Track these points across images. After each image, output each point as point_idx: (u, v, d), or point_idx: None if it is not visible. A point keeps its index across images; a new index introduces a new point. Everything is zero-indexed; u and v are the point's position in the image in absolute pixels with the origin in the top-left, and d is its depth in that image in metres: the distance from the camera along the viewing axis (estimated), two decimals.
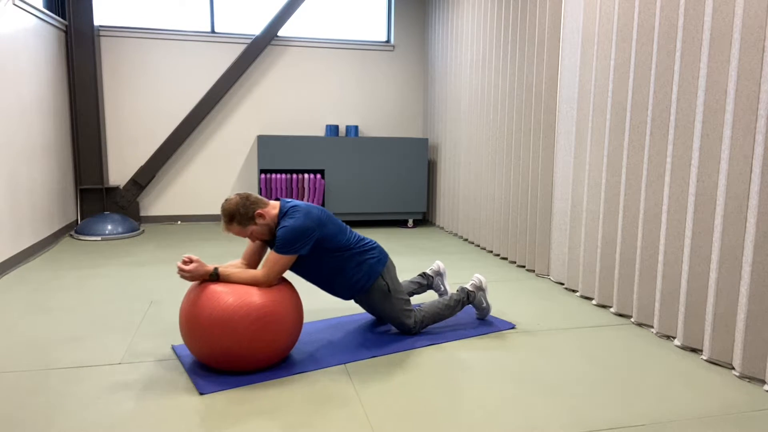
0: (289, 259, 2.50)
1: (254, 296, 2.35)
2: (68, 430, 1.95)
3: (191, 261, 2.40)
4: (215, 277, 2.41)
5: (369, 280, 2.77)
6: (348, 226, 2.80)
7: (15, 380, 2.33)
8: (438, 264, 3.41)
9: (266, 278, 2.43)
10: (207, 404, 2.15)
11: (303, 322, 2.60)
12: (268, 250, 2.70)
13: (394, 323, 2.88)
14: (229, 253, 4.87)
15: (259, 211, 2.52)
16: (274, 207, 2.59)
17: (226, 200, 2.52)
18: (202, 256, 4.74)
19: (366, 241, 2.81)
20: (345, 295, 2.82)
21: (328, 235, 2.62)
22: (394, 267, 2.90)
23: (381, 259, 2.81)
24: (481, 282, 3.16)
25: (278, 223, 2.56)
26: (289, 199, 2.66)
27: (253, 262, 2.66)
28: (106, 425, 1.98)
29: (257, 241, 2.67)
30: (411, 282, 3.29)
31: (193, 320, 2.34)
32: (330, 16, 6.66)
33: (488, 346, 2.80)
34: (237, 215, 2.49)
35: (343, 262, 2.70)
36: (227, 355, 2.33)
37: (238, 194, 2.54)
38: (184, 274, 2.38)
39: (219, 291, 2.35)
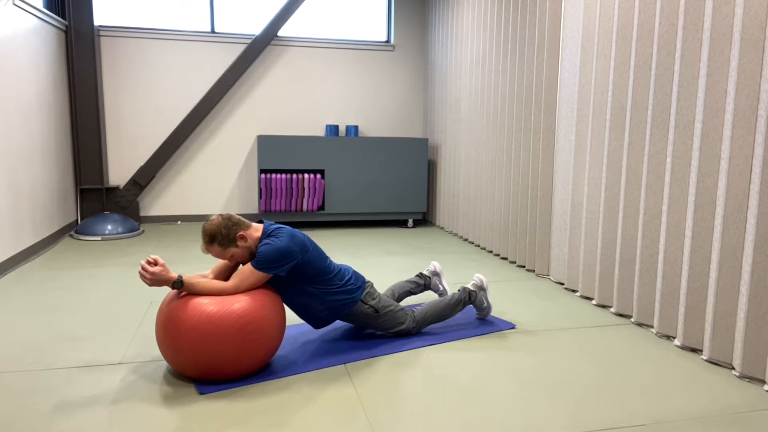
0: (263, 277, 2.41)
1: (236, 304, 2.26)
2: (68, 430, 1.95)
3: (156, 263, 2.27)
4: (179, 285, 2.28)
5: (345, 308, 2.69)
6: (327, 255, 2.71)
7: (15, 380, 2.33)
8: (434, 264, 3.41)
9: (234, 291, 2.33)
10: (207, 404, 2.15)
11: (285, 326, 2.52)
12: (240, 266, 2.60)
13: (392, 333, 2.88)
14: None
15: (241, 233, 2.43)
16: (256, 230, 2.51)
17: (208, 221, 2.45)
18: (201, 256, 4.74)
19: (343, 270, 2.74)
20: (317, 324, 2.73)
21: (308, 261, 2.54)
22: (372, 285, 2.83)
23: (360, 286, 2.74)
24: (482, 282, 3.16)
25: (260, 244, 2.47)
26: (272, 222, 2.58)
27: (222, 277, 2.55)
28: (105, 425, 1.98)
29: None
30: (408, 282, 3.29)
31: (173, 331, 2.24)
32: (330, 16, 6.66)
33: (488, 346, 2.80)
34: (218, 236, 2.41)
35: (320, 291, 2.62)
36: (209, 365, 2.25)
37: (220, 215, 2.46)
38: (146, 277, 2.24)
39: (199, 300, 2.25)
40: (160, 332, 2.31)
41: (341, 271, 2.72)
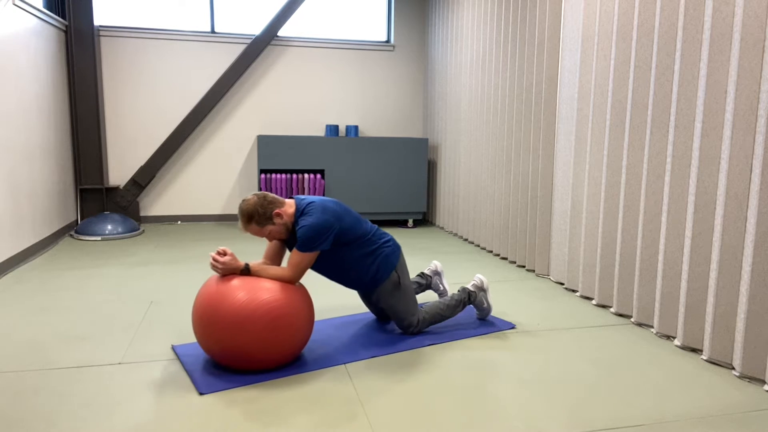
0: (312, 256, 2.54)
1: (265, 294, 2.34)
2: (68, 430, 1.95)
3: (225, 254, 2.42)
4: (246, 272, 2.43)
5: (385, 272, 2.80)
6: (361, 216, 2.83)
7: (15, 380, 2.33)
8: (435, 264, 3.41)
9: (292, 277, 2.48)
10: (207, 404, 2.15)
11: (314, 320, 2.61)
12: (286, 249, 2.75)
13: (398, 319, 2.88)
14: None
15: (276, 210, 2.54)
16: (290, 206, 2.61)
17: (244, 200, 2.54)
18: (202, 256, 4.74)
19: (381, 232, 2.85)
20: (361, 287, 2.84)
21: (345, 228, 2.65)
22: (405, 261, 2.94)
23: (395, 251, 2.85)
24: (482, 282, 3.16)
25: (295, 222, 2.59)
26: (303, 196, 2.68)
27: (275, 262, 2.69)
28: (105, 425, 1.98)
29: (277, 242, 2.70)
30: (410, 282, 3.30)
31: (206, 318, 2.34)
32: (330, 16, 6.66)
33: (488, 346, 2.80)
34: (255, 215, 2.51)
35: (360, 254, 2.73)
36: (240, 353, 2.33)
37: (255, 194, 2.55)
38: (217, 266, 2.40)
39: (233, 287, 2.34)
40: (195, 318, 2.40)
41: (378, 230, 2.85)
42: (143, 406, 2.13)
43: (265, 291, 2.35)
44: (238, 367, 2.40)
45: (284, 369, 2.47)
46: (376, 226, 2.88)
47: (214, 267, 2.42)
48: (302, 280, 3.91)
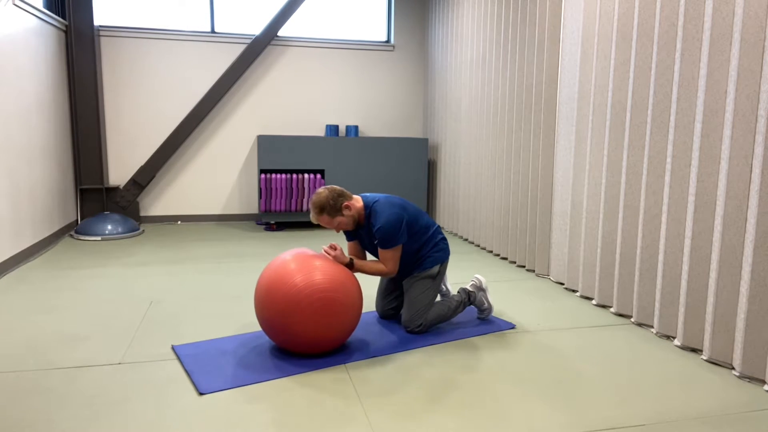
0: (398, 249, 2.79)
1: (318, 276, 2.48)
2: (68, 430, 1.95)
3: (335, 248, 2.66)
4: (350, 265, 2.71)
5: (432, 264, 2.96)
6: (422, 210, 3.06)
7: (15, 380, 2.33)
8: None
9: (391, 270, 2.79)
10: (207, 404, 2.15)
11: (362, 310, 2.89)
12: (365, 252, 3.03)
13: (412, 311, 2.92)
14: (228, 253, 4.87)
15: (346, 203, 2.74)
16: (357, 200, 2.84)
17: (316, 193, 2.74)
18: (202, 256, 4.74)
19: (439, 229, 3.06)
20: (404, 274, 3.00)
21: (413, 218, 2.87)
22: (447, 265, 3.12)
23: (446, 249, 3.04)
24: (480, 282, 3.17)
25: (366, 218, 2.81)
26: (368, 194, 2.88)
27: (357, 256, 2.98)
28: (105, 425, 1.98)
29: (354, 244, 2.98)
30: None
31: (265, 298, 2.50)
32: (330, 16, 6.66)
33: (488, 345, 2.80)
34: (327, 207, 2.72)
35: (421, 244, 2.93)
36: (291, 334, 2.46)
37: (326, 187, 2.75)
38: (329, 256, 2.65)
39: (289, 270, 2.50)
40: (256, 299, 2.58)
41: (438, 227, 3.07)
42: (143, 406, 2.13)
43: (319, 274, 2.50)
44: (290, 348, 2.55)
45: (284, 369, 2.47)
46: (436, 223, 3.14)
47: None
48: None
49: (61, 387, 2.28)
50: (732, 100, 2.46)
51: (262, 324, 2.58)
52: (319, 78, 6.65)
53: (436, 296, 3.00)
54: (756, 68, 2.39)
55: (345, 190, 2.79)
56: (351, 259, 2.72)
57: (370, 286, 3.83)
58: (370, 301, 3.51)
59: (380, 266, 2.78)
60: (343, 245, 5.26)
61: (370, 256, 4.70)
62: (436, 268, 2.97)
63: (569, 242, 3.79)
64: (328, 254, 2.66)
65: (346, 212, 2.76)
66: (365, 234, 2.89)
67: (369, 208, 2.81)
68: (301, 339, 2.48)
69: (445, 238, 3.06)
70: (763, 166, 2.34)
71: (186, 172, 6.46)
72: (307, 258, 2.55)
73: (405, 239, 2.81)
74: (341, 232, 2.97)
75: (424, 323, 2.91)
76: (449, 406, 2.16)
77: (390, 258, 2.78)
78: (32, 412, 2.07)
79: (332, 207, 2.73)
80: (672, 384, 2.40)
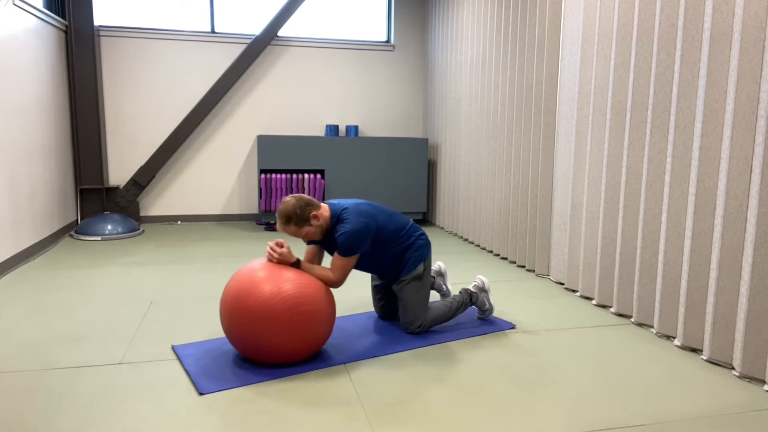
0: (354, 259, 2.67)
1: (288, 285, 2.41)
2: (68, 430, 1.95)
3: (282, 246, 2.52)
4: (297, 266, 2.56)
5: (415, 263, 2.90)
6: (394, 211, 2.94)
7: (15, 380, 2.33)
8: (439, 264, 3.41)
9: (337, 280, 2.63)
10: (207, 404, 2.15)
11: (335, 316, 2.77)
12: (324, 252, 2.89)
13: (408, 312, 2.90)
14: (228, 253, 4.87)
15: (314, 213, 2.63)
16: (325, 209, 2.72)
17: (283, 202, 2.63)
18: (202, 256, 4.74)
19: (415, 226, 2.97)
20: (391, 278, 2.95)
21: (380, 227, 2.77)
22: (431, 258, 3.04)
23: (427, 244, 2.97)
24: (483, 283, 3.17)
25: (331, 227, 2.71)
26: (335, 201, 2.78)
27: (313, 262, 2.84)
28: (105, 425, 1.98)
29: (315, 246, 2.84)
30: None
31: (232, 309, 2.42)
32: (330, 16, 6.66)
33: (488, 345, 2.80)
34: (294, 216, 2.60)
35: (395, 248, 2.85)
36: (263, 345, 2.39)
37: (293, 196, 2.64)
38: (274, 256, 2.51)
39: (257, 279, 2.42)
40: (222, 308, 2.48)
41: (413, 224, 2.97)
42: (143, 406, 2.13)
43: (289, 284, 2.42)
44: (260, 359, 2.46)
45: (284, 369, 2.47)
46: (411, 220, 3.03)
47: (270, 257, 2.52)
48: None
49: (61, 387, 2.28)
50: (732, 100, 2.46)
51: (228, 333, 2.48)
52: (319, 78, 6.65)
53: (428, 293, 2.98)
54: (756, 68, 2.39)
55: (313, 200, 2.67)
56: (297, 260, 2.57)
57: (366, 287, 3.83)
58: (369, 302, 3.51)
59: (328, 273, 2.61)
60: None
61: None
62: (420, 267, 2.91)
63: (569, 242, 3.79)
64: (273, 253, 2.52)
65: (314, 222, 2.63)
66: (331, 242, 2.77)
67: (336, 216, 2.70)
68: (268, 349, 2.40)
69: (422, 234, 2.97)
70: (763, 166, 2.34)
71: (186, 172, 6.46)
72: (276, 267, 2.49)
73: (366, 250, 2.71)
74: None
75: (423, 323, 2.91)
76: (449, 406, 2.16)
77: (340, 267, 2.63)
78: (32, 412, 2.07)
79: (299, 217, 2.60)
80: (672, 384, 2.40)
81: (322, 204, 2.74)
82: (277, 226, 2.65)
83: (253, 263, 2.55)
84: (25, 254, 4.50)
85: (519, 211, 4.52)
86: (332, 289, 3.39)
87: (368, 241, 2.69)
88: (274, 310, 2.35)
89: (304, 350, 2.47)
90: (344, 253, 2.63)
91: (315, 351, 2.55)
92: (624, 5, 3.19)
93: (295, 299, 2.39)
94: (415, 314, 2.90)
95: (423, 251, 2.93)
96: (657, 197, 3.01)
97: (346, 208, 2.71)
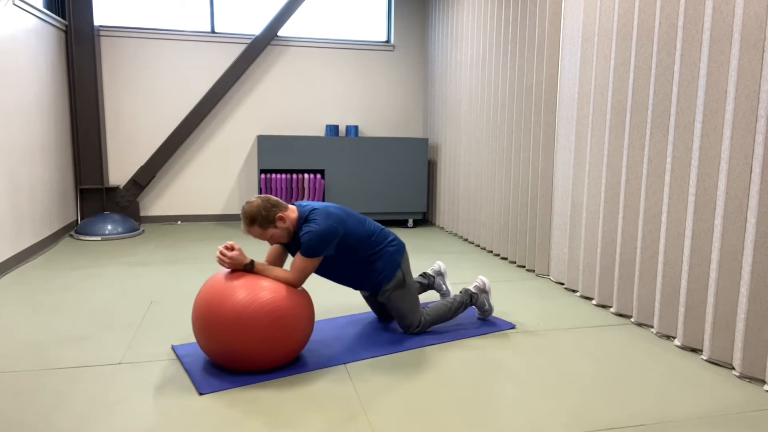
0: (316, 261, 2.55)
1: (266, 293, 2.34)
2: (68, 430, 1.95)
3: (233, 248, 2.43)
4: (250, 268, 2.44)
5: (390, 271, 2.81)
6: (365, 217, 2.83)
7: (15, 380, 2.33)
8: (439, 264, 3.41)
9: (295, 281, 2.49)
10: (207, 404, 2.15)
11: (314, 321, 2.62)
12: (288, 254, 2.77)
13: (401, 317, 2.88)
14: None
15: (280, 214, 2.53)
16: (293, 211, 2.61)
17: (248, 203, 2.53)
18: (202, 256, 4.74)
19: (386, 232, 2.87)
20: (366, 287, 2.85)
21: (348, 232, 2.65)
22: (408, 260, 2.95)
23: (400, 249, 2.87)
24: (484, 284, 3.17)
25: (298, 228, 2.59)
26: (304, 202, 2.68)
27: (275, 263, 2.71)
28: (105, 425, 1.98)
29: (278, 246, 2.71)
30: None
31: (205, 316, 2.34)
32: (330, 16, 6.66)
33: (488, 346, 2.80)
34: (258, 218, 2.50)
35: (365, 255, 2.74)
36: (239, 353, 2.32)
37: (259, 197, 2.54)
38: (224, 260, 2.40)
39: (233, 286, 2.35)
40: (194, 317, 2.40)
41: (383, 230, 2.85)
42: (143, 406, 2.13)
43: (266, 291, 2.35)
44: (236, 368, 2.40)
45: (284, 369, 2.47)
46: (381, 225, 2.90)
47: (220, 261, 2.42)
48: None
49: (61, 387, 2.28)
50: (732, 100, 2.46)
51: (201, 343, 2.40)
52: (319, 78, 6.65)
53: (415, 295, 2.91)
54: (756, 68, 2.39)
55: (280, 201, 2.57)
56: (251, 261, 2.45)
57: None
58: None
59: (285, 274, 2.47)
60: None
61: None
62: (398, 274, 2.82)
63: (569, 242, 3.79)
64: (223, 258, 2.40)
65: (279, 224, 2.53)
66: (296, 245, 2.65)
67: (304, 217, 2.59)
68: (244, 357, 2.34)
69: (393, 240, 2.85)
70: (763, 166, 2.34)
71: (186, 172, 6.46)
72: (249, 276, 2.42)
73: (330, 253, 2.60)
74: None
75: (420, 324, 2.90)
76: (449, 406, 2.16)
77: (301, 269, 2.50)
78: (32, 412, 2.07)
79: (264, 218, 2.49)
80: (672, 384, 2.40)
81: (290, 205, 2.64)
82: (242, 227, 2.54)
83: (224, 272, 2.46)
84: (25, 254, 4.50)
85: (519, 211, 4.52)
86: (319, 292, 3.33)
87: (333, 243, 2.58)
88: (251, 318, 2.27)
89: (281, 358, 2.41)
90: (306, 253, 2.51)
91: (292, 358, 2.48)
92: (624, 5, 3.20)
93: (273, 305, 2.31)
94: (410, 320, 2.88)
95: (396, 257, 2.83)
96: (657, 197, 3.01)
97: (315, 209, 2.61)
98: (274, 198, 2.57)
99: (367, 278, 2.80)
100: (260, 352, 2.33)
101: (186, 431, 1.95)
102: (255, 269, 2.45)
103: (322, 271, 2.77)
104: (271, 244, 2.65)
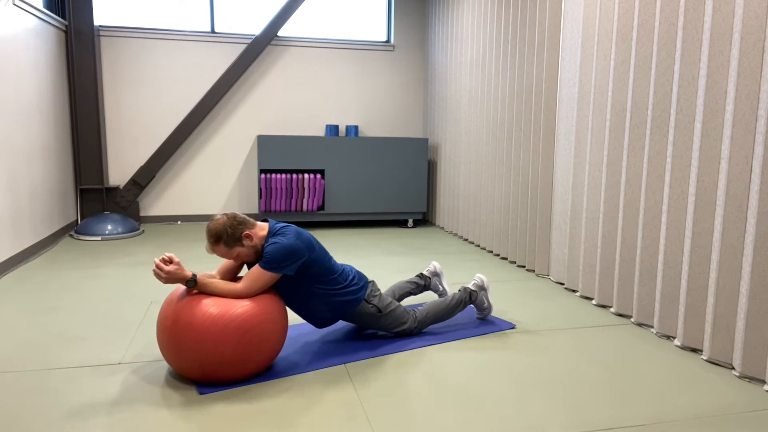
0: (273, 277, 2.39)
1: (237, 307, 2.25)
2: (68, 430, 1.95)
3: (171, 261, 2.27)
4: (192, 283, 2.27)
5: (349, 308, 2.68)
6: (330, 255, 2.69)
7: (15, 380, 2.33)
8: (434, 264, 3.40)
9: (246, 293, 2.32)
10: (206, 404, 2.15)
11: (287, 328, 2.49)
12: (245, 267, 2.60)
13: (396, 333, 2.87)
14: None
15: (246, 232, 2.41)
16: (262, 228, 2.49)
17: (213, 220, 2.41)
18: (201, 256, 4.74)
19: (347, 270, 2.73)
20: (320, 323, 2.71)
21: (315, 260, 2.52)
22: (375, 284, 2.83)
23: (363, 286, 2.73)
24: (482, 282, 3.16)
25: (266, 243, 2.46)
26: (276, 222, 2.57)
27: (228, 277, 2.54)
28: (105, 425, 1.98)
29: (232, 261, 2.56)
30: (408, 282, 3.28)
31: (175, 333, 2.23)
32: (330, 16, 6.67)
33: (488, 345, 2.80)
34: (224, 236, 2.38)
35: (325, 290, 2.60)
36: (210, 368, 2.23)
37: (225, 214, 2.42)
38: (161, 275, 2.24)
39: (202, 301, 2.24)
40: (161, 333, 2.30)
41: (345, 271, 2.70)
42: (143, 406, 2.13)
43: (237, 303, 2.26)
44: (208, 381, 2.30)
45: (284, 370, 2.47)
46: (348, 266, 2.78)
47: (157, 275, 2.25)
48: None
49: (61, 387, 2.28)
50: (732, 100, 2.46)
51: (167, 357, 2.31)
52: (319, 78, 6.65)
53: (394, 307, 2.81)
54: (756, 68, 2.39)
55: (248, 218, 2.44)
56: (193, 276, 2.27)
57: None
58: None
59: (231, 287, 2.30)
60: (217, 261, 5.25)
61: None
62: (365, 307, 2.71)
63: (569, 242, 3.79)
64: (160, 272, 2.24)
65: (246, 242, 2.40)
66: (259, 259, 2.51)
67: (273, 231, 2.47)
68: (214, 370, 2.25)
69: (354, 279, 2.70)
70: (763, 166, 2.34)
71: (186, 172, 6.46)
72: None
73: (290, 273, 2.42)
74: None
75: (415, 327, 2.87)
76: (449, 406, 2.16)
77: (255, 279, 2.33)
78: (32, 412, 2.07)
79: (230, 236, 2.37)
80: (672, 384, 2.40)
81: (258, 223, 2.51)
82: (206, 246, 2.42)
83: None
84: (25, 254, 4.50)
85: (519, 211, 4.52)
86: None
87: (296, 264, 2.43)
88: (223, 331, 2.19)
89: (252, 369, 2.32)
90: (266, 265, 2.36)
91: (264, 367, 2.39)
92: (624, 5, 3.20)
93: (243, 317, 2.22)
94: (401, 330, 2.84)
95: (360, 294, 2.69)
96: (657, 197, 3.01)
97: (287, 226, 2.50)
98: (241, 215, 2.45)
99: (321, 313, 2.66)
100: (231, 366, 2.24)
101: (186, 431, 1.95)
102: (198, 284, 2.28)
103: (283, 296, 2.60)
104: (237, 262, 2.52)
